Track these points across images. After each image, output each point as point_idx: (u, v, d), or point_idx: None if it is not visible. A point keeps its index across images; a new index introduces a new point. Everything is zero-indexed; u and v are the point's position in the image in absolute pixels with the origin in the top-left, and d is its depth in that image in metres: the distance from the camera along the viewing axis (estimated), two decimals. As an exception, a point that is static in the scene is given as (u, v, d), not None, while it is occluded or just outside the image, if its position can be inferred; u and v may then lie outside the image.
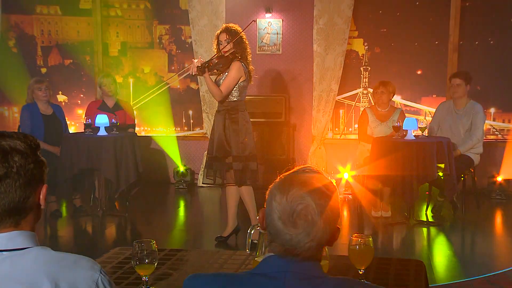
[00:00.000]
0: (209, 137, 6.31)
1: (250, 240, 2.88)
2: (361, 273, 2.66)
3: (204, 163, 7.50)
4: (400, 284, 2.70)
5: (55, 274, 1.87)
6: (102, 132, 6.95)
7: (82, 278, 1.89)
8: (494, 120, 8.56)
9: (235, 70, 5.80)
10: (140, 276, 2.65)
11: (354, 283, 1.82)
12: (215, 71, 5.85)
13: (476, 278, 5.18)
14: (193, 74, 5.79)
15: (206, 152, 6.75)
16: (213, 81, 5.82)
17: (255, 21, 8.48)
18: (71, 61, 9.46)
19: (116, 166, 6.86)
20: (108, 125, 7.00)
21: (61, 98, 9.38)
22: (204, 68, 5.69)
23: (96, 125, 6.98)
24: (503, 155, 8.32)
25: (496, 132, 8.61)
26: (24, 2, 9.37)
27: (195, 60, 5.79)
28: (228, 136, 5.86)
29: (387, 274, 2.83)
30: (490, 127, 8.58)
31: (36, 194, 1.95)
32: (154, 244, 2.66)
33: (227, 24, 6.06)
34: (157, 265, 2.93)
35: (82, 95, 9.29)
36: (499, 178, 8.23)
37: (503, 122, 8.58)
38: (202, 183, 7.96)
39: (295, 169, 1.84)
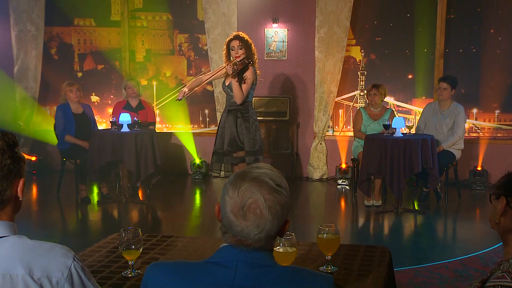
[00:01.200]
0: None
1: None
2: (328, 258, 2.60)
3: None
4: (364, 269, 2.63)
5: (29, 261, 1.81)
6: (125, 129, 6.92)
7: (55, 264, 1.81)
8: (476, 119, 8.40)
9: (250, 76, 5.76)
10: (127, 260, 2.58)
11: (300, 271, 1.73)
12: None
13: (452, 260, 5.12)
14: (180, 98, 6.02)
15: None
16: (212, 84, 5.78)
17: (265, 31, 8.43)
18: (103, 66, 9.44)
19: (137, 159, 6.83)
20: (130, 122, 6.97)
21: (94, 98, 9.37)
22: (235, 74, 5.68)
23: (119, 122, 6.96)
24: (481, 149, 8.21)
25: (477, 130, 8.43)
26: (63, 16, 9.38)
27: (185, 89, 6.02)
28: (241, 133, 5.80)
29: (353, 260, 2.76)
30: (472, 125, 8.42)
31: (13, 187, 1.89)
32: (140, 232, 2.58)
33: (237, 32, 6.00)
34: (147, 250, 2.87)
35: (112, 96, 9.27)
36: (479, 169, 8.12)
37: (484, 121, 8.42)
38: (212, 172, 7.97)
39: (250, 166, 1.78)
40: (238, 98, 5.77)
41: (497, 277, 1.95)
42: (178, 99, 6.16)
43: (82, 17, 9.42)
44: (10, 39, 9.22)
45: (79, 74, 9.46)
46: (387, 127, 6.84)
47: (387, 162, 6.54)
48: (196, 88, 6.34)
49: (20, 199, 1.93)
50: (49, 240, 5.75)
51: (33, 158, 9.16)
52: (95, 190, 7.74)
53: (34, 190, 8.53)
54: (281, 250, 2.45)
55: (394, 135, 6.73)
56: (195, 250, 2.92)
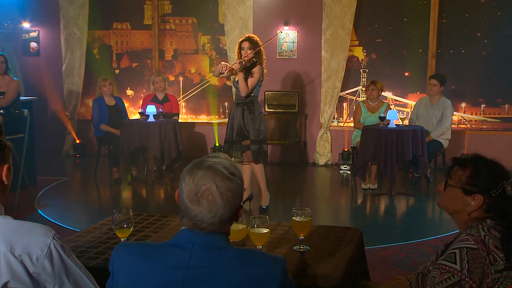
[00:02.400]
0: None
1: None
2: (301, 239, 2.52)
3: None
4: (333, 248, 2.54)
5: (11, 239, 1.75)
6: (150, 119, 6.89)
7: (35, 243, 1.76)
8: (464, 112, 8.17)
9: (257, 73, 5.68)
10: (119, 237, 2.52)
11: (253, 253, 1.67)
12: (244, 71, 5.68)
13: (433, 238, 5.05)
14: (223, 73, 5.65)
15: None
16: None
17: (278, 33, 8.35)
18: (137, 64, 9.39)
19: (161, 145, 6.79)
20: (156, 113, 6.93)
21: (129, 92, 9.35)
22: (242, 69, 5.59)
23: (146, 113, 6.92)
24: (468, 139, 8.03)
25: (465, 122, 8.19)
26: (104, 21, 9.37)
27: (223, 63, 5.68)
28: (247, 123, 5.72)
29: (326, 240, 2.67)
30: (461, 118, 8.19)
31: None
32: (131, 212, 2.52)
33: (248, 34, 5.89)
34: (143, 228, 2.80)
35: (144, 90, 9.21)
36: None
37: (471, 114, 8.18)
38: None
39: (207, 155, 1.71)
40: (242, 91, 5.67)
41: (462, 239, 1.90)
42: (221, 72, 5.87)
43: (120, 21, 9.38)
44: (60, 42, 9.28)
45: (117, 71, 9.43)
46: (382, 118, 6.75)
47: (381, 150, 6.45)
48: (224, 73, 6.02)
49: (6, 183, 1.87)
50: (85, 213, 5.78)
51: (78, 141, 9.23)
52: (126, 172, 7.72)
53: (78, 171, 8.59)
54: (255, 231, 2.37)
55: (388, 126, 6.62)
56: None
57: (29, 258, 1.74)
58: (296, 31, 8.57)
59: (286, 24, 8.55)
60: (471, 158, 2.05)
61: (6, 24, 8.97)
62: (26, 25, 9.45)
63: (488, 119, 8.11)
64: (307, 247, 2.51)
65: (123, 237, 2.49)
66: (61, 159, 9.10)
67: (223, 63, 5.71)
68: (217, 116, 9.05)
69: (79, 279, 1.80)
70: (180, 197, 1.64)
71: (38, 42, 9.54)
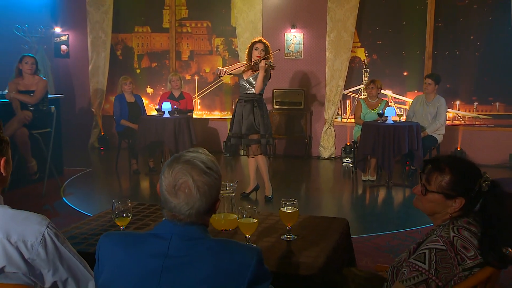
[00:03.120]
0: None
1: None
2: (288, 228, 2.49)
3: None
4: (319, 237, 2.51)
5: (8, 227, 1.75)
6: (166, 115, 6.88)
7: (30, 231, 1.76)
8: (458, 109, 8.03)
9: (268, 73, 5.64)
10: (118, 226, 2.51)
11: (229, 243, 1.62)
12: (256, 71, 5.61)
13: (425, 226, 4.93)
14: (221, 75, 5.61)
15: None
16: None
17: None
18: (156, 64, 9.39)
19: (175, 139, 6.76)
20: (171, 109, 6.91)
21: (149, 90, 9.35)
22: (268, 69, 5.53)
23: (162, 109, 6.91)
24: (462, 135, 7.91)
25: (460, 119, 8.05)
26: (126, 25, 9.38)
27: (221, 68, 5.61)
28: (257, 119, 5.66)
29: (313, 229, 2.64)
30: (455, 115, 8.05)
31: None
32: (129, 202, 2.50)
33: (261, 37, 5.81)
34: (144, 217, 2.78)
35: (163, 88, 9.17)
36: (458, 151, 7.86)
37: (465, 111, 8.03)
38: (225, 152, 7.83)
39: (186, 150, 1.67)
40: (258, 87, 5.59)
41: (432, 240, 1.87)
42: (219, 75, 5.84)
43: (141, 25, 9.38)
44: (87, 44, 9.32)
45: (138, 71, 9.45)
46: (380, 115, 6.70)
47: (379, 144, 6.38)
48: (230, 73, 6.00)
49: (4, 174, 1.85)
50: (106, 201, 5.72)
51: (102, 133, 9.27)
52: (143, 164, 7.72)
53: (101, 162, 8.62)
54: (244, 221, 2.34)
55: (386, 122, 6.54)
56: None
57: (24, 245, 1.74)
58: (302, 34, 8.49)
59: (293, 27, 8.48)
60: (446, 161, 1.98)
61: (39, 30, 9.03)
62: (57, 29, 9.51)
63: (481, 116, 7.97)
64: (294, 236, 2.48)
65: (122, 226, 2.48)
66: (87, 151, 9.16)
67: (219, 68, 5.65)
68: (229, 112, 9.02)
69: (73, 265, 1.80)
70: (160, 189, 1.60)
71: (67, 45, 9.60)
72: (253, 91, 5.66)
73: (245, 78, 5.73)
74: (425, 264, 1.82)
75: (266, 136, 5.71)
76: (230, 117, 8.80)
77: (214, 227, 2.51)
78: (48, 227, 1.78)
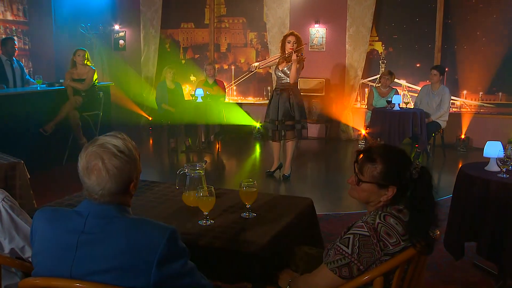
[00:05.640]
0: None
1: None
2: (247, 207, 2.34)
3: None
4: (277, 216, 2.32)
5: None
6: (199, 100, 6.96)
7: None
8: (465, 98, 7.80)
9: (300, 64, 5.55)
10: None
11: (143, 222, 1.53)
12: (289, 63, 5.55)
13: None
14: (253, 71, 5.85)
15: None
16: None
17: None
18: (198, 55, 9.57)
19: (206, 121, 6.92)
20: (203, 95, 7.03)
21: (192, 78, 9.53)
22: (299, 61, 5.48)
23: (196, 95, 7.01)
24: (468, 121, 7.68)
25: (466, 107, 7.82)
26: (173, 21, 9.58)
27: (254, 64, 5.77)
28: (292, 106, 5.57)
29: (274, 208, 2.44)
30: (462, 103, 7.83)
31: None
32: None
33: (292, 31, 5.74)
34: (139, 193, 2.64)
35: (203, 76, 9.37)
36: (463, 137, 7.64)
37: (471, 100, 7.79)
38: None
39: (104, 134, 1.57)
40: (293, 78, 5.50)
41: (358, 226, 1.80)
42: (251, 70, 5.92)
43: (186, 22, 9.56)
44: (140, 38, 9.61)
45: (183, 61, 9.66)
46: (389, 102, 6.64)
47: (386, 128, 6.34)
48: (261, 68, 6.07)
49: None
50: (149, 174, 5.79)
51: (150, 118, 9.52)
52: (181, 142, 7.88)
53: (147, 141, 8.85)
54: (204, 199, 2.23)
55: (393, 109, 6.48)
56: (160, 196, 2.64)
57: None
58: (325, 28, 8.45)
59: (316, 22, 8.46)
60: (377, 151, 1.85)
61: (99, 27, 9.38)
62: (116, 27, 9.83)
63: (485, 105, 7.74)
64: (253, 214, 2.33)
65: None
66: (138, 131, 9.42)
67: (252, 64, 5.79)
68: (261, 98, 9.10)
69: (29, 234, 1.77)
70: (78, 170, 1.54)
71: (124, 40, 9.91)
72: (288, 80, 5.56)
73: (280, 69, 5.62)
74: (348, 248, 1.76)
75: (301, 122, 5.65)
76: (261, 102, 8.98)
77: (187, 204, 2.43)
78: (4, 200, 1.82)
